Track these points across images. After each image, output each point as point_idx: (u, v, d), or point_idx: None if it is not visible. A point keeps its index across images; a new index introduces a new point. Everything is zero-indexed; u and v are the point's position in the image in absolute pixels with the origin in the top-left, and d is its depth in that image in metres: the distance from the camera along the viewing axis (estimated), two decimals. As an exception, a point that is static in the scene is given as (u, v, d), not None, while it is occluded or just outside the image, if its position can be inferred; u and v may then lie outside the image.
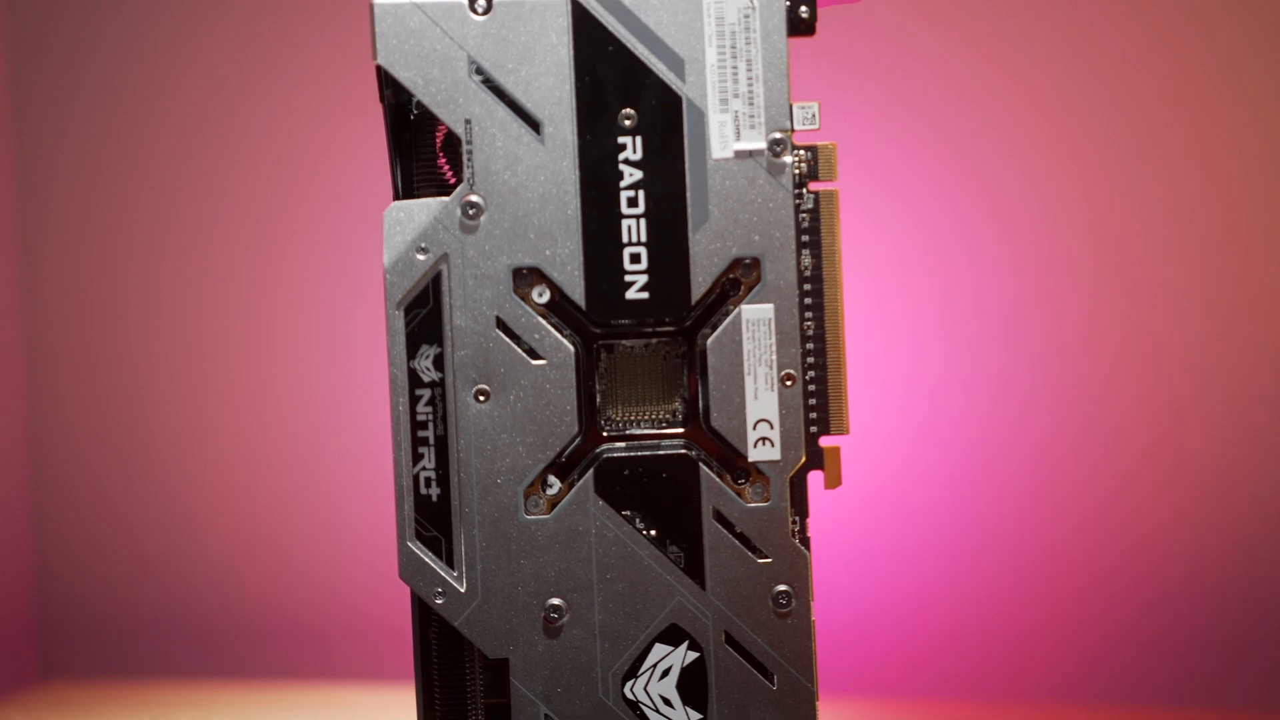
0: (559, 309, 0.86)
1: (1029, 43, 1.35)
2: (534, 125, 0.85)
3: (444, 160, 0.87)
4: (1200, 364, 1.35)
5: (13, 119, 1.45)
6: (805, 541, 0.87)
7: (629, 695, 0.87)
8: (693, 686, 0.87)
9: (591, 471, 0.86)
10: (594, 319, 0.86)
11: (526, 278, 0.86)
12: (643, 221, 0.85)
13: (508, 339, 0.85)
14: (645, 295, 0.86)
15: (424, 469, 0.86)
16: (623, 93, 0.85)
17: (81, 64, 1.47)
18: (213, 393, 1.46)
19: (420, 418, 0.86)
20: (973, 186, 1.36)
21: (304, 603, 1.45)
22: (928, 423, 1.36)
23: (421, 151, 0.87)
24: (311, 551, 1.45)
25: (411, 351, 0.85)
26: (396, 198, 0.87)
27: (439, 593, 0.86)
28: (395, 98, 0.86)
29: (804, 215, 0.87)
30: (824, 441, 0.88)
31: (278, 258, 1.46)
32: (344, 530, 1.44)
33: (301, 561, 1.45)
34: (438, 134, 0.87)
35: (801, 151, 0.87)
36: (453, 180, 0.87)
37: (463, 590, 0.86)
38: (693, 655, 0.87)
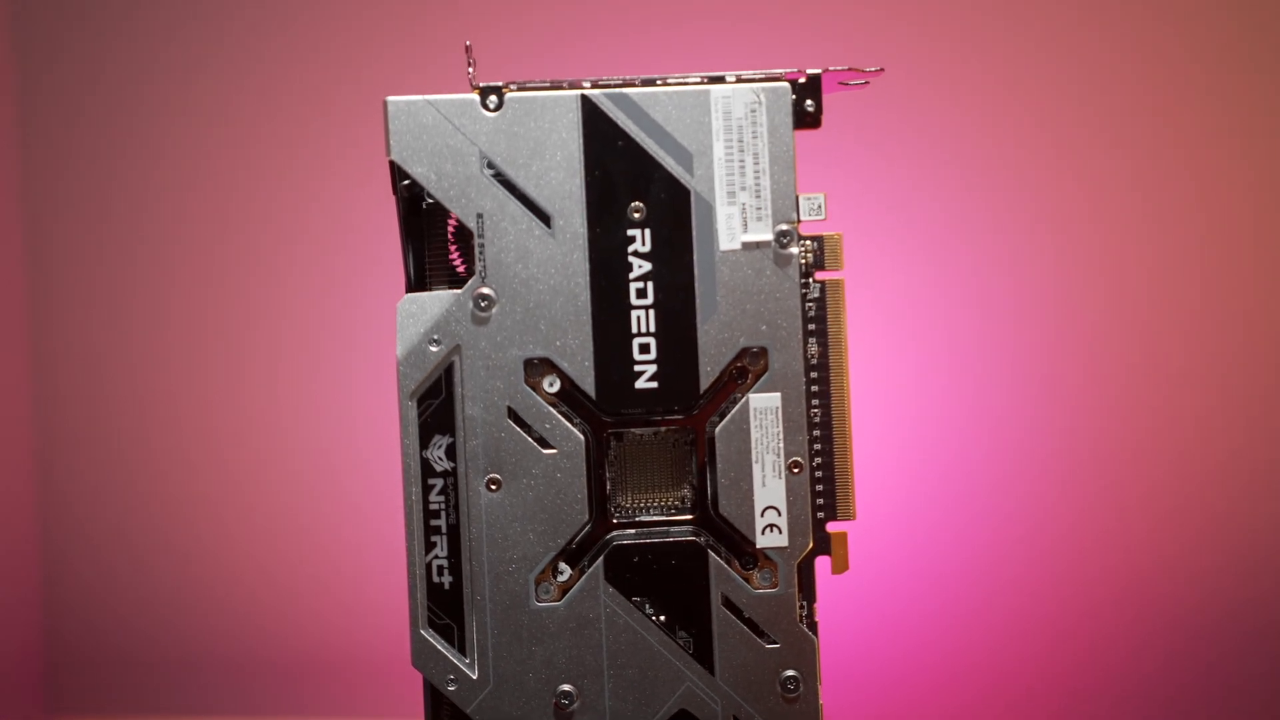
0: (569, 398, 0.87)
1: (1033, 127, 1.37)
2: (545, 218, 0.86)
3: (455, 249, 0.89)
4: (1202, 408, 1.36)
5: (20, 125, 1.46)
6: (813, 626, 0.88)
7: (639, 780, 0.88)
8: (702, 772, 0.88)
9: (602, 558, 0.87)
10: (604, 408, 0.87)
11: (537, 367, 0.87)
12: (652, 312, 0.87)
13: (519, 429, 0.87)
14: (654, 385, 0.87)
15: (436, 557, 0.87)
16: (632, 186, 0.87)
17: (89, 77, 1.47)
18: (221, 427, 1.46)
19: (433, 507, 0.87)
20: (978, 271, 1.37)
21: (313, 639, 1.45)
22: (934, 507, 1.37)
23: (434, 240, 0.89)
24: (321, 587, 1.45)
25: (424, 441, 0.86)
26: (409, 284, 0.88)
27: (451, 680, 0.87)
28: (409, 190, 0.87)
29: (810, 304, 0.88)
30: (831, 527, 0.89)
31: (286, 293, 1.46)
32: (354, 565, 1.44)
33: (311, 598, 1.45)
34: (449, 223, 0.88)
35: (808, 241, 0.88)
36: (463, 269, 0.88)
37: (475, 677, 0.87)
38: (702, 741, 0.88)
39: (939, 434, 1.37)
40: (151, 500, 1.47)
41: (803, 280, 0.88)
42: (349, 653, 1.44)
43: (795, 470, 0.88)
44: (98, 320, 1.46)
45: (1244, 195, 1.36)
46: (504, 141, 0.86)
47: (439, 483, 0.87)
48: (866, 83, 0.90)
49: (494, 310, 0.86)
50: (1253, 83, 1.36)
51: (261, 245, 1.44)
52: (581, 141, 0.87)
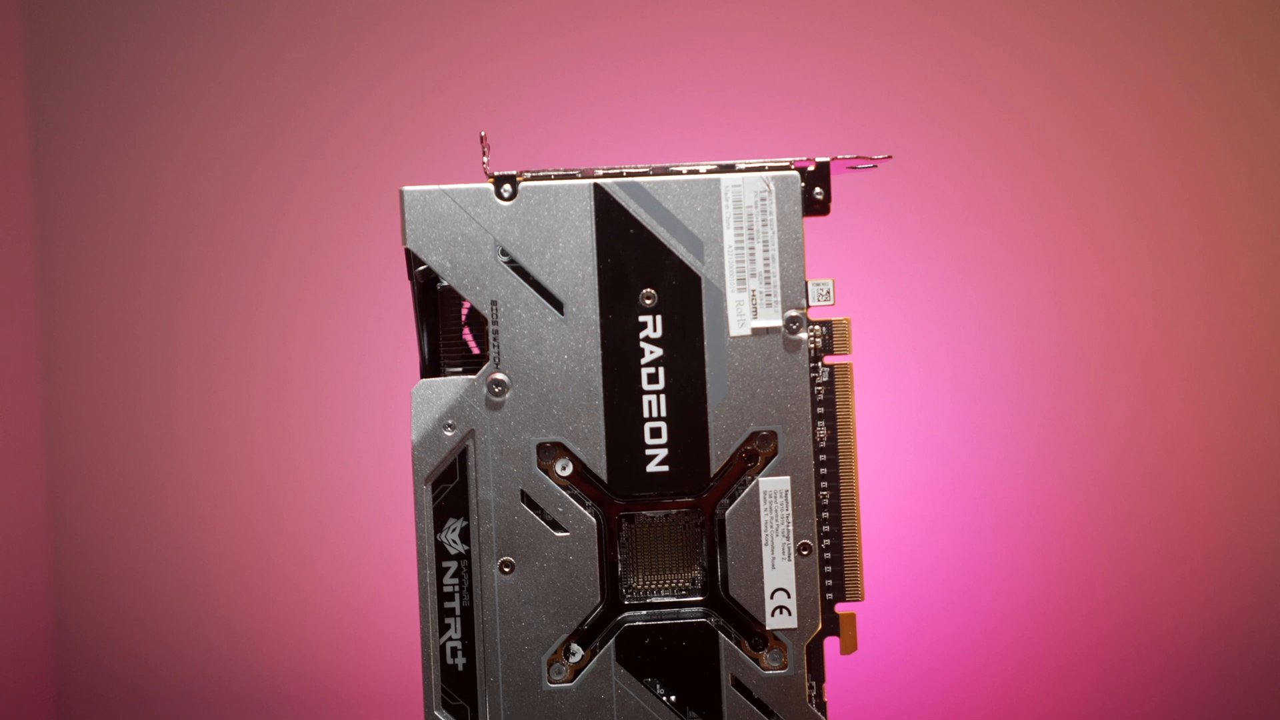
0: (581, 481, 0.88)
1: (1038, 209, 1.38)
2: (558, 305, 0.88)
3: (469, 332, 0.90)
4: (1204, 440, 1.37)
5: (29, 130, 1.46)
6: (822, 707, 0.89)
7: None
8: None
9: (613, 640, 0.88)
10: (616, 491, 0.88)
11: (550, 451, 0.88)
12: (663, 397, 0.88)
13: (532, 512, 0.88)
14: (665, 468, 0.88)
15: (450, 639, 0.88)
16: (643, 273, 0.88)
17: (98, 85, 1.47)
18: (230, 459, 1.46)
19: (447, 589, 0.88)
20: (986, 351, 1.38)
21: (324, 670, 1.45)
22: (941, 587, 1.37)
23: (448, 323, 0.90)
24: (331, 618, 1.45)
25: (439, 525, 0.88)
26: (423, 365, 0.90)
27: (464, 761, 0.88)
28: (424, 276, 0.89)
29: (819, 388, 0.90)
30: (840, 608, 0.90)
31: (289, 329, 1.47)
32: (363, 596, 1.44)
33: (321, 628, 1.45)
34: (463, 306, 0.90)
35: (816, 326, 0.90)
36: (477, 350, 0.90)
37: (487, 758, 0.88)
38: (712, 822, 0.89)
39: (946, 514, 1.37)
40: (160, 531, 1.47)
41: (812, 364, 0.89)
42: (356, 683, 1.44)
43: (804, 553, 0.89)
44: (109, 373, 1.47)
45: (1249, 242, 1.37)
46: (518, 230, 0.88)
47: (453, 565, 0.88)
48: (875, 166, 0.92)
49: (508, 395, 0.88)
50: (1260, 132, 1.37)
51: (276, 333, 1.46)
52: (594, 229, 0.88)
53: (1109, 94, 1.38)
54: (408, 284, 0.90)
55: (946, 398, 1.38)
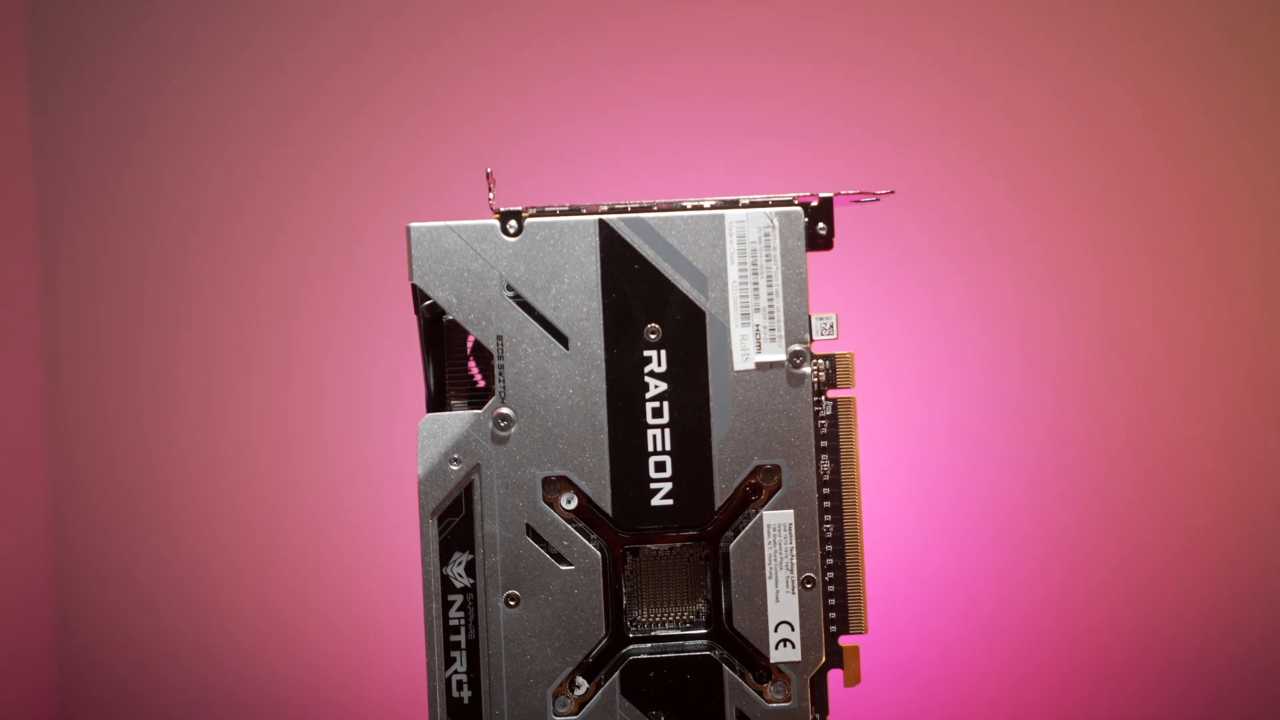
0: (586, 515, 0.89)
1: (1043, 243, 1.39)
2: (563, 340, 0.88)
3: (474, 365, 0.91)
4: (1204, 453, 1.37)
5: (32, 133, 1.46)
6: (826, 740, 0.90)
7: None
8: None
9: (618, 673, 0.89)
10: (621, 525, 0.89)
11: (555, 485, 0.89)
12: (667, 431, 0.89)
13: (537, 545, 0.88)
14: (670, 501, 0.89)
15: (456, 672, 0.88)
16: (648, 308, 0.89)
17: (101, 89, 1.47)
18: (233, 471, 1.46)
19: (453, 622, 0.88)
20: (987, 382, 1.39)
21: (327, 682, 1.45)
22: (946, 620, 1.37)
23: (454, 356, 0.91)
24: (335, 632, 1.45)
25: (444, 558, 0.88)
26: (429, 398, 0.90)
27: (469, 793, 0.88)
28: (430, 310, 0.89)
29: (822, 422, 0.90)
30: (843, 641, 0.90)
31: (292, 338, 1.47)
32: (368, 609, 1.44)
33: (325, 641, 1.45)
34: (469, 339, 0.90)
35: (820, 360, 0.90)
36: (482, 383, 0.90)
37: (492, 790, 0.88)
38: None
39: (951, 546, 1.38)
40: (164, 544, 1.47)
41: (815, 398, 0.90)
42: (361, 698, 1.44)
43: (808, 586, 0.89)
44: (111, 378, 1.47)
45: (1252, 259, 1.37)
46: (523, 265, 0.89)
47: (459, 599, 0.88)
48: (877, 200, 0.92)
49: (513, 430, 0.88)
50: (1266, 148, 1.38)
51: (279, 365, 1.46)
52: (599, 265, 0.89)
53: (1108, 106, 1.38)
54: (412, 288, 0.90)
55: (948, 430, 1.38)
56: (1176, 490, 1.38)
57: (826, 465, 0.90)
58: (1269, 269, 1.38)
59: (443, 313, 0.89)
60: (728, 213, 0.89)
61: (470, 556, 0.88)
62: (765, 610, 0.89)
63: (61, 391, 1.47)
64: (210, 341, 1.45)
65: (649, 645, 0.89)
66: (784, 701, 0.89)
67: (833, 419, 0.90)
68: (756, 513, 0.89)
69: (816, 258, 0.90)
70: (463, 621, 0.88)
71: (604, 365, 0.88)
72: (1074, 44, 1.39)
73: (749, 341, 0.89)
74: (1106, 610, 1.37)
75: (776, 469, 0.89)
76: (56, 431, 1.47)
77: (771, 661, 0.89)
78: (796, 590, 0.89)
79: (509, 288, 0.89)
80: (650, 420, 0.89)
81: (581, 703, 0.89)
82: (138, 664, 1.47)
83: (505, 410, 0.88)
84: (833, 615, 0.90)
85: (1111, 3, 1.39)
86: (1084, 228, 1.39)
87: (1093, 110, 1.39)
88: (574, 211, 0.89)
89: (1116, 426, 1.38)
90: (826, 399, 0.90)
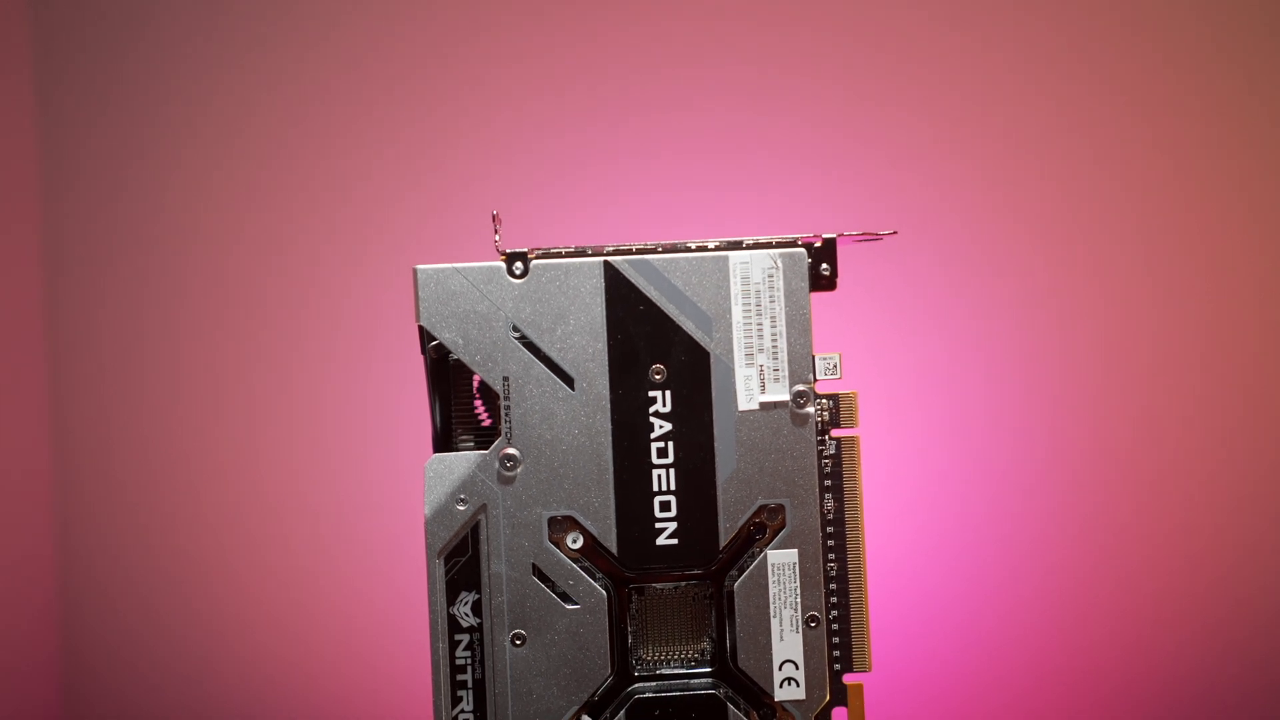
0: (592, 554, 0.89)
1: (1045, 276, 1.39)
2: (569, 380, 0.89)
3: (480, 403, 0.91)
4: (1206, 467, 1.37)
5: (36, 137, 1.46)
6: (831, 778, 0.90)
7: None
8: None
9: (624, 711, 0.89)
10: (626, 564, 0.89)
11: (561, 524, 0.89)
12: (672, 471, 0.89)
13: (543, 585, 0.89)
14: (675, 541, 0.89)
15: (463, 711, 0.88)
16: (653, 349, 0.89)
17: (105, 92, 1.47)
18: (237, 487, 1.46)
19: (459, 662, 0.88)
20: (990, 418, 1.39)
21: (333, 697, 1.45)
22: (949, 660, 1.38)
23: (460, 396, 0.91)
24: (340, 646, 1.45)
25: (451, 598, 0.89)
26: (435, 437, 0.91)
27: (476, 832, 0.89)
28: (436, 351, 0.90)
29: (826, 461, 0.91)
30: (848, 679, 0.91)
31: (294, 352, 1.47)
32: (372, 623, 1.44)
33: (330, 654, 1.45)
34: (475, 378, 0.91)
35: (824, 400, 0.91)
36: (488, 422, 0.91)
37: (499, 829, 0.88)
38: None
39: (957, 585, 1.38)
40: (168, 560, 1.47)
41: (819, 438, 0.91)
42: (366, 711, 1.44)
43: (812, 624, 0.90)
44: (115, 383, 1.47)
45: (1252, 274, 1.38)
46: (529, 307, 0.89)
47: (465, 638, 0.89)
48: (879, 239, 0.93)
49: (519, 470, 0.89)
50: (1266, 161, 1.38)
51: (286, 374, 1.46)
52: (604, 306, 0.89)
53: (1108, 120, 1.39)
54: (419, 329, 0.91)
55: (951, 468, 1.39)
56: (1178, 511, 1.38)
57: (830, 504, 0.91)
58: (1271, 293, 1.39)
59: (449, 353, 0.90)
60: (732, 254, 0.90)
61: (477, 596, 0.89)
62: (770, 649, 0.89)
63: (65, 400, 1.47)
64: (215, 349, 1.45)
65: (654, 684, 0.90)
66: (789, 740, 0.90)
67: (836, 458, 0.91)
68: (761, 552, 0.90)
69: (819, 297, 0.91)
70: (469, 661, 0.89)
71: (609, 405, 0.89)
72: (1077, 70, 1.40)
73: (753, 382, 0.90)
74: (1115, 657, 1.38)
75: (780, 508, 0.90)
76: (60, 438, 1.47)
77: (776, 700, 0.89)
78: (801, 629, 0.89)
79: (515, 329, 0.89)
80: (655, 460, 0.89)
81: (587, 741, 0.89)
82: (141, 673, 1.47)
83: (511, 450, 0.89)
84: (837, 653, 0.90)
85: (1114, 32, 1.40)
86: (1084, 253, 1.39)
87: (1096, 132, 1.39)
88: (579, 253, 0.90)
89: (1118, 459, 1.38)
90: (830, 438, 0.91)
